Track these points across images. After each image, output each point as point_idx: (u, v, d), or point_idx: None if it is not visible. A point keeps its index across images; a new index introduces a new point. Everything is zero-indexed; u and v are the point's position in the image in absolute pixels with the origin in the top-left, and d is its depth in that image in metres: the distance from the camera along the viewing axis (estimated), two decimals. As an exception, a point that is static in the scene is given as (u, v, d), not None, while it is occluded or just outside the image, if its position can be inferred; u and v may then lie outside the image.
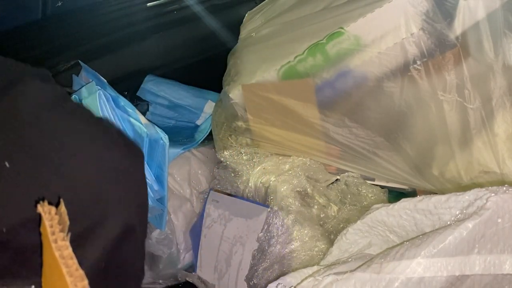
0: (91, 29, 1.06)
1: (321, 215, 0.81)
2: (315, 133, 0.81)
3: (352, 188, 0.86)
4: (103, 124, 0.46)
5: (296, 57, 0.78)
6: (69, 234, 0.31)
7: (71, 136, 0.40)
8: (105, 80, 0.81)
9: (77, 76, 0.87)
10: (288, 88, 0.80)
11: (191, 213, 0.93)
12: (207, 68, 1.08)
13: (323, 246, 0.75)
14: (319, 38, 0.76)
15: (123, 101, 0.78)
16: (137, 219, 0.42)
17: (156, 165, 0.78)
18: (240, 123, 0.87)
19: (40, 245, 0.34)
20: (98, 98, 0.72)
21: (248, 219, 0.80)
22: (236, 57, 0.92)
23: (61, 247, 0.31)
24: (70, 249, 0.31)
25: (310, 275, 0.58)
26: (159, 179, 0.79)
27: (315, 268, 0.62)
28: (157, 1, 1.17)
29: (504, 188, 0.49)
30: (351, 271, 0.51)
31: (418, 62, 0.70)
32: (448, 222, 0.51)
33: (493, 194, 0.48)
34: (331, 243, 0.70)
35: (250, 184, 0.84)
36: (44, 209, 0.32)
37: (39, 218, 0.33)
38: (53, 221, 0.32)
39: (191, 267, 0.92)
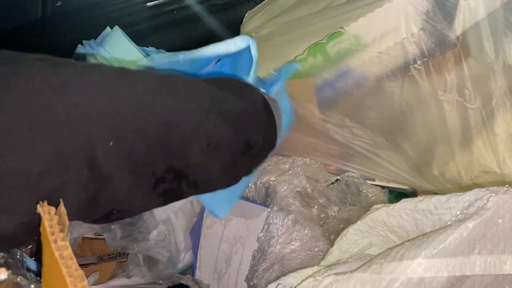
0: (91, 29, 1.06)
1: (321, 215, 0.81)
2: (315, 133, 0.81)
3: (352, 188, 0.86)
4: None
5: (296, 57, 0.78)
6: (69, 235, 0.31)
7: None
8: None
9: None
10: (288, 88, 0.80)
11: (191, 213, 0.93)
12: (207, 68, 1.08)
13: (323, 246, 0.74)
14: (319, 38, 0.76)
15: None
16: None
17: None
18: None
19: (40, 245, 0.34)
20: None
21: (248, 219, 0.80)
22: (236, 57, 0.91)
23: (61, 247, 0.31)
24: (69, 249, 0.31)
25: (310, 276, 0.58)
26: None
27: (315, 268, 0.62)
28: (157, 1, 1.17)
29: (505, 189, 0.49)
30: (351, 271, 0.51)
31: (419, 62, 0.70)
32: (449, 223, 0.51)
33: (493, 195, 0.48)
34: (331, 243, 0.70)
35: (250, 184, 0.84)
36: (43, 209, 0.32)
37: (38, 218, 0.32)
38: (53, 221, 0.31)
39: (191, 267, 0.92)
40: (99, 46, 0.85)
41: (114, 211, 0.38)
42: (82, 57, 0.87)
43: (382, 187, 0.86)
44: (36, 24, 1.00)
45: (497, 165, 0.71)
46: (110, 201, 0.36)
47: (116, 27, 0.88)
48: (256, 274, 0.77)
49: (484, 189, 0.50)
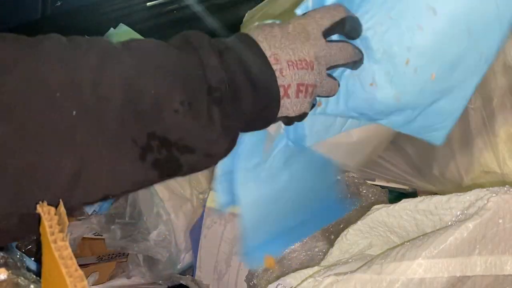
0: (91, 29, 1.06)
1: (321, 216, 0.81)
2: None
3: (352, 188, 0.86)
4: None
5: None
6: (69, 235, 0.31)
7: None
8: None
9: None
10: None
11: (191, 213, 0.93)
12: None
13: (323, 246, 0.74)
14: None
15: None
16: None
17: None
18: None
19: (40, 245, 0.34)
20: None
21: (248, 219, 0.80)
22: (236, 57, 0.91)
23: (60, 247, 0.31)
24: (69, 249, 0.31)
25: (310, 276, 0.58)
26: None
27: (315, 268, 0.62)
28: (157, 1, 1.17)
29: (505, 189, 0.49)
30: (352, 272, 0.51)
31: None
32: (449, 223, 0.51)
33: (494, 195, 0.48)
34: (331, 243, 0.70)
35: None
36: (43, 209, 0.32)
37: (38, 218, 0.32)
38: (53, 221, 0.31)
39: (191, 268, 0.92)
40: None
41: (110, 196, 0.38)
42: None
43: (382, 187, 0.86)
44: (36, 24, 1.00)
45: (497, 165, 0.71)
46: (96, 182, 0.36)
47: (121, 24, 0.88)
48: (256, 274, 0.76)
49: (485, 189, 0.50)
